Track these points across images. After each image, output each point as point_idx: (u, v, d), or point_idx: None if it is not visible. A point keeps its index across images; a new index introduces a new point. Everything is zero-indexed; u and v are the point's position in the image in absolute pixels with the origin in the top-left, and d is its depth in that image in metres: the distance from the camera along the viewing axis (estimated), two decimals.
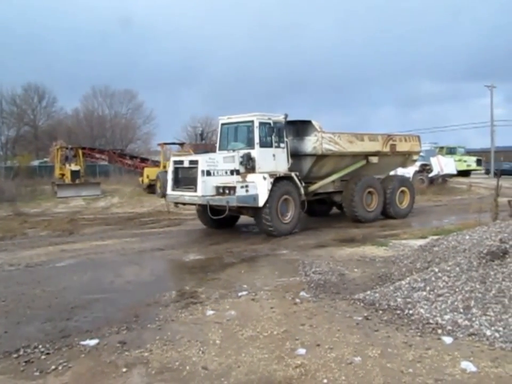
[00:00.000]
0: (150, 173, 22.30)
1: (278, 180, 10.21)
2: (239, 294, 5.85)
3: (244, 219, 11.77)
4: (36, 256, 8.58)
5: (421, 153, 16.11)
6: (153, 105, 75.39)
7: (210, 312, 5.16)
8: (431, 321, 4.51)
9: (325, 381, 3.51)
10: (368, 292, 5.46)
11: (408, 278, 5.46)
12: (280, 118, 10.83)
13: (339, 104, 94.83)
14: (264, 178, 9.90)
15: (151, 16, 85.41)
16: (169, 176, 10.72)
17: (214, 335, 4.47)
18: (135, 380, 3.66)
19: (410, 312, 4.75)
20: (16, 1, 66.06)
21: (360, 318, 4.75)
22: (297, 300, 5.49)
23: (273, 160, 10.60)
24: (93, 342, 4.37)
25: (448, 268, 5.23)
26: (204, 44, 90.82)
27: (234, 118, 11.17)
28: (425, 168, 22.07)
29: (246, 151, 10.39)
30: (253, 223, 11.12)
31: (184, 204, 10.98)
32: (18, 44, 64.74)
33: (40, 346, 4.30)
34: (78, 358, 4.07)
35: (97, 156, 27.40)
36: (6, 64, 51.85)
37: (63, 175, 24.09)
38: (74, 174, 23.10)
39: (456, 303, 4.61)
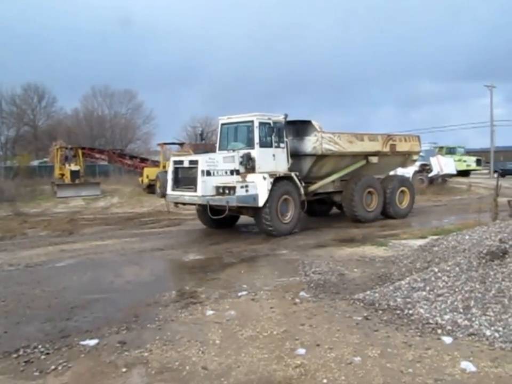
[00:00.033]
0: (149, 173, 22.30)
1: (278, 179, 10.21)
2: (239, 294, 5.85)
3: (243, 219, 11.77)
4: (36, 256, 8.58)
5: (421, 153, 16.12)
6: (153, 105, 75.46)
7: (210, 312, 5.16)
8: (430, 321, 4.51)
9: (325, 381, 3.51)
10: (368, 292, 5.46)
11: (407, 278, 5.46)
12: (280, 118, 10.83)
13: (339, 104, 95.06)
14: (264, 178, 9.90)
15: (151, 16, 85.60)
16: (169, 176, 10.72)
17: (214, 335, 4.47)
18: (135, 380, 3.66)
19: (410, 312, 4.75)
20: (16, 1, 66.17)
21: (360, 318, 4.75)
22: (297, 300, 5.49)
23: (273, 160, 10.60)
24: (92, 342, 4.37)
25: (448, 268, 5.23)
26: (204, 43, 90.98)
27: (234, 118, 11.17)
28: (425, 168, 22.09)
29: (246, 151, 10.38)
30: (252, 223, 11.12)
31: (184, 203, 10.98)
32: (18, 44, 64.92)
33: (40, 346, 4.29)
34: (77, 358, 4.07)
35: (97, 156, 27.41)
36: (5, 64, 51.90)
37: (62, 175, 24.09)
38: (74, 174, 23.10)
39: (455, 303, 4.61)
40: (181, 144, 26.48)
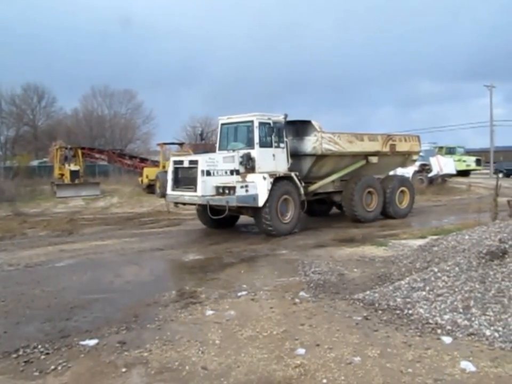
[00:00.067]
0: (149, 173, 22.30)
1: (277, 179, 10.21)
2: (239, 294, 5.85)
3: (243, 219, 11.77)
4: (35, 256, 8.58)
5: (421, 153, 16.12)
6: (152, 105, 75.23)
7: (209, 312, 5.16)
8: (430, 321, 4.51)
9: (325, 381, 3.51)
10: (368, 292, 5.46)
11: (407, 278, 5.46)
12: (280, 118, 10.84)
13: (339, 104, 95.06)
14: (264, 178, 9.90)
15: (151, 16, 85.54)
16: (169, 176, 10.72)
17: (214, 335, 4.47)
18: (135, 380, 3.66)
19: (410, 312, 4.75)
20: (16, 1, 66.17)
21: (359, 318, 4.75)
22: (297, 300, 5.49)
23: (273, 160, 10.61)
24: (92, 342, 4.37)
25: (448, 268, 5.23)
26: (204, 43, 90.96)
27: (234, 118, 11.17)
28: (424, 168, 22.08)
29: (245, 151, 10.39)
30: (252, 223, 11.12)
31: (184, 203, 10.98)
32: (18, 44, 64.82)
33: (39, 346, 4.29)
34: (77, 358, 4.07)
35: (97, 155, 27.42)
36: (5, 64, 51.82)
37: (62, 175, 24.08)
38: (74, 174, 23.09)
39: (455, 303, 4.61)
40: (181, 144, 26.48)
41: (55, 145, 29.78)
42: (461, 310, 4.51)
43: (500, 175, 31.70)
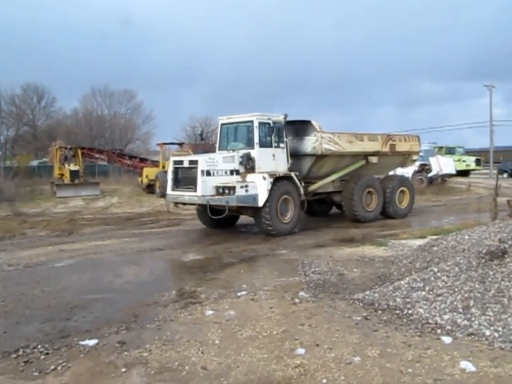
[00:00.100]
0: (149, 173, 22.30)
1: (277, 179, 10.21)
2: (238, 294, 5.85)
3: (243, 219, 11.77)
4: (35, 256, 8.57)
5: (420, 153, 16.13)
6: (152, 105, 75.31)
7: (209, 312, 5.16)
8: (430, 321, 4.51)
9: (324, 381, 3.51)
10: (367, 292, 5.46)
11: (407, 278, 5.46)
12: (280, 118, 10.84)
13: (339, 104, 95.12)
14: (264, 178, 9.90)
15: (151, 16, 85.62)
16: (169, 176, 10.72)
17: (213, 335, 4.47)
18: (134, 380, 3.66)
19: (410, 312, 4.75)
20: (16, 1, 66.14)
21: (359, 318, 4.75)
22: (297, 300, 5.49)
23: (272, 160, 10.61)
24: (92, 342, 4.37)
25: (447, 268, 5.23)
26: (204, 43, 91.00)
27: (234, 118, 11.17)
28: (424, 168, 22.10)
29: (245, 151, 10.39)
30: (252, 223, 11.12)
31: (184, 203, 10.98)
32: (18, 44, 64.84)
33: (39, 346, 4.29)
34: (77, 358, 4.07)
35: (97, 155, 27.42)
36: (5, 64, 51.87)
37: (62, 175, 24.09)
38: (74, 174, 23.09)
39: (455, 303, 4.61)
40: (181, 144, 26.49)
41: (54, 145, 29.82)
42: (460, 310, 4.51)
43: (505, 175, 31.83)
